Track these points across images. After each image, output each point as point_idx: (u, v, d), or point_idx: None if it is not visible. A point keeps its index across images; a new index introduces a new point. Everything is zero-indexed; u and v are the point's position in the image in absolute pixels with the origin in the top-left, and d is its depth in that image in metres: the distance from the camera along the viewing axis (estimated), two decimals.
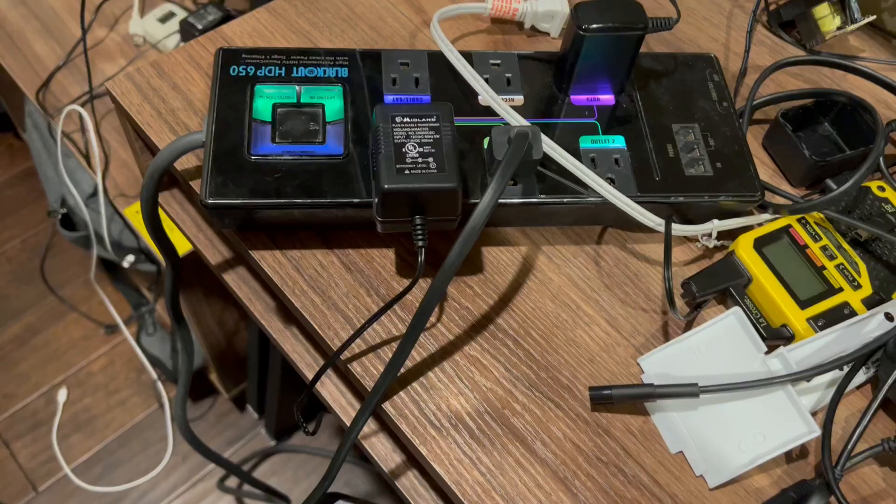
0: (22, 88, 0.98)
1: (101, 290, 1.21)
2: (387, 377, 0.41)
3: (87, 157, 0.93)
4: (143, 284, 1.27)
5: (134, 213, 0.90)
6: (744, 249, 0.47)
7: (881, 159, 0.50)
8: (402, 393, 0.43)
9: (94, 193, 0.99)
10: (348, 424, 0.49)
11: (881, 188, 0.50)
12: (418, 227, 0.42)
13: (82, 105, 0.93)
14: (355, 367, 0.44)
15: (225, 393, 1.31)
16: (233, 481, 1.29)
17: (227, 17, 0.92)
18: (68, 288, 1.46)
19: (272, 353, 1.09)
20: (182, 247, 0.84)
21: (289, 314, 0.55)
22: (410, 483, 0.49)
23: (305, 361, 0.53)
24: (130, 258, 1.02)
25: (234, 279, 0.56)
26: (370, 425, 0.50)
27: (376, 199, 0.42)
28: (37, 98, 0.95)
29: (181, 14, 1.00)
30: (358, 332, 0.42)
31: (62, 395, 1.34)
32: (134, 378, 1.38)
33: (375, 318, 0.43)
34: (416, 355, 0.44)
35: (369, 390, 0.42)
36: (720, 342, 0.43)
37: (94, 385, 1.37)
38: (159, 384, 1.29)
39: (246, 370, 1.26)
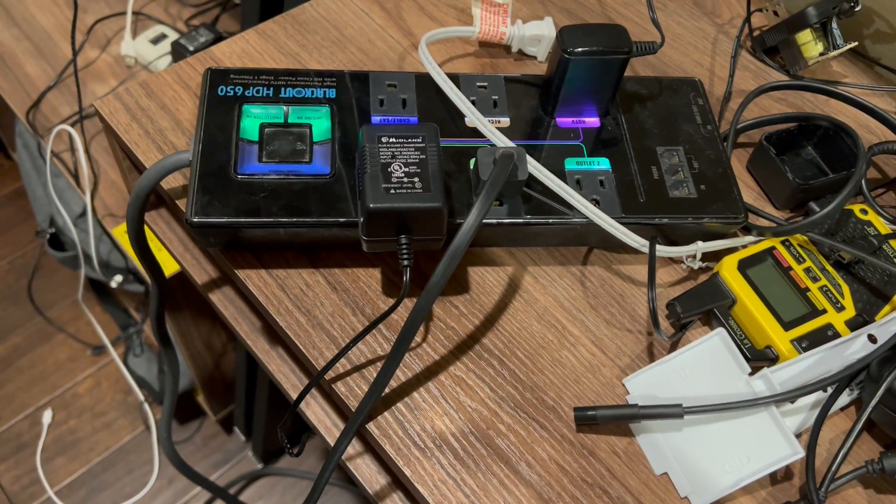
0: (12, 108, 0.98)
1: (88, 311, 1.21)
2: (371, 397, 0.41)
3: (77, 177, 0.93)
4: (130, 305, 1.26)
5: (122, 234, 0.90)
6: (728, 271, 0.47)
7: (863, 183, 0.51)
8: (386, 413, 0.43)
9: (83, 213, 0.99)
10: (332, 445, 0.48)
11: (864, 211, 0.50)
12: (403, 246, 0.42)
13: (72, 125, 0.93)
14: (339, 387, 0.44)
15: (212, 415, 1.30)
16: None
17: (218, 39, 0.93)
18: (56, 309, 1.45)
19: (260, 375, 1.09)
20: (169, 267, 0.84)
21: (275, 334, 0.54)
22: None
23: (291, 382, 0.53)
24: (118, 278, 1.02)
25: (221, 299, 0.56)
26: (355, 446, 0.50)
27: (362, 219, 0.42)
28: (27, 118, 0.96)
29: (173, 36, 1.00)
30: (342, 352, 0.42)
31: (47, 416, 1.32)
32: (120, 400, 1.37)
33: (360, 337, 0.42)
34: (401, 375, 0.44)
35: (353, 410, 0.42)
36: (704, 363, 0.43)
37: (79, 407, 1.35)
38: (146, 406, 1.27)
39: (233, 392, 1.25)
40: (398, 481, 0.49)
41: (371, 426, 0.42)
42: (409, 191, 0.41)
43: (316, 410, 0.52)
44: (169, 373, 0.70)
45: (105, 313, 1.36)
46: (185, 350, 1.09)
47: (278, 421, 1.20)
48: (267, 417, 1.16)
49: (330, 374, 0.44)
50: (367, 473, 0.49)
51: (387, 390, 0.43)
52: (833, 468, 0.41)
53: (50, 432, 1.32)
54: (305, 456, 1.34)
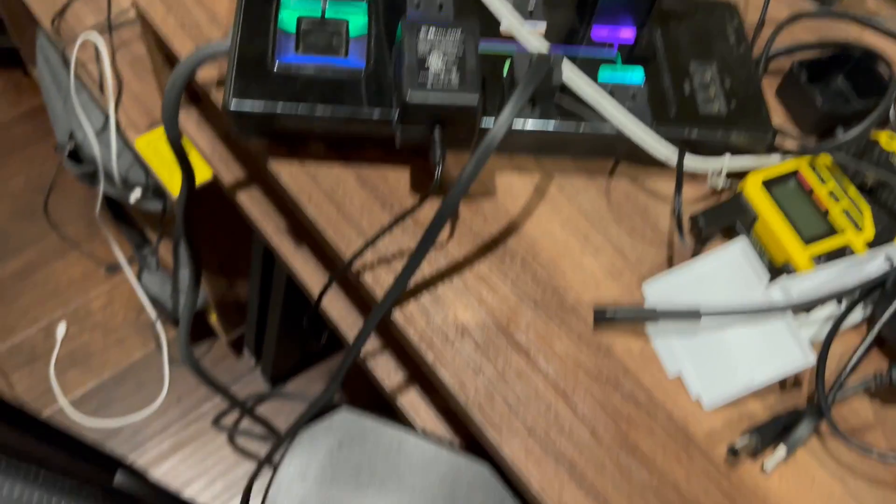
0: (36, 16, 0.97)
1: (104, 229, 1.22)
2: (398, 284, 0.42)
3: (101, 88, 0.93)
4: (147, 225, 1.27)
5: (145, 145, 0.90)
6: (752, 188, 0.47)
7: (892, 110, 0.51)
8: (411, 302, 0.44)
9: (105, 128, 0.99)
10: (354, 339, 0.50)
11: (891, 137, 0.50)
12: (437, 140, 0.42)
13: (99, 33, 0.93)
14: (367, 278, 0.45)
15: (224, 335, 1.32)
16: (227, 420, 1.31)
17: None
18: (71, 226, 1.46)
19: (273, 295, 1.10)
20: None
21: (300, 234, 0.56)
22: (411, 401, 0.50)
23: (315, 280, 0.54)
24: (137, 193, 1.02)
25: (247, 199, 0.57)
26: (374, 342, 0.51)
27: (397, 111, 0.42)
28: (52, 26, 0.95)
29: None
30: (372, 240, 0.43)
31: (61, 330, 1.35)
32: (133, 318, 1.39)
33: (389, 227, 0.43)
34: (427, 270, 0.45)
35: (379, 301, 0.43)
36: (724, 271, 0.44)
37: (92, 323, 1.38)
38: (158, 324, 1.30)
39: (245, 313, 1.27)
40: (415, 376, 0.50)
41: (396, 313, 0.44)
42: (445, 85, 0.41)
43: (339, 307, 0.53)
44: (191, 277, 0.72)
45: (120, 234, 1.37)
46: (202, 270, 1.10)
47: (289, 343, 1.22)
48: (278, 339, 1.18)
49: (357, 266, 0.45)
50: (386, 368, 0.51)
51: (412, 284, 0.45)
52: (842, 377, 0.42)
53: (63, 345, 1.34)
54: (312, 383, 1.37)
